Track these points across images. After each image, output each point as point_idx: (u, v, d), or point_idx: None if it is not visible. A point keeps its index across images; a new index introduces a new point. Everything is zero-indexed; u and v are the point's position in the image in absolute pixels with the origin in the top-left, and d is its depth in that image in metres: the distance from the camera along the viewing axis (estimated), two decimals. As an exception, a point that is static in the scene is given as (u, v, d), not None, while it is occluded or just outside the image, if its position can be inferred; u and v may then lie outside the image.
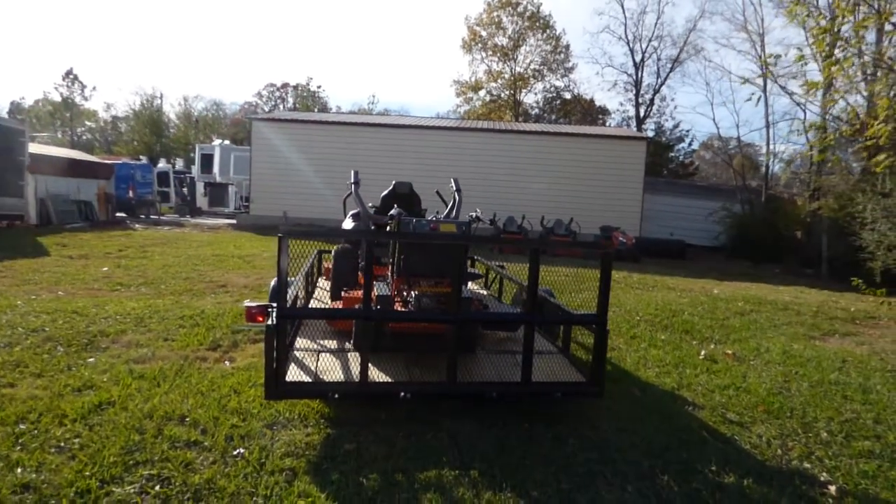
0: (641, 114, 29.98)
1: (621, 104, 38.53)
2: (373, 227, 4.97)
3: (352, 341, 4.17)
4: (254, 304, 4.08)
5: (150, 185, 23.76)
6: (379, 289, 3.93)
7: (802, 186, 19.22)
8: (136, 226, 18.86)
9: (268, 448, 3.17)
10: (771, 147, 21.15)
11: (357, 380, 3.42)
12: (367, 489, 2.82)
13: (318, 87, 52.11)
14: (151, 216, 22.76)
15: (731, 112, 42.87)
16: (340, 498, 2.72)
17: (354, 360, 3.83)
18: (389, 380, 3.54)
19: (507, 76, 32.43)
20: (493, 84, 32.80)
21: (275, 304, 3.95)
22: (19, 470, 2.78)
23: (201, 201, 26.14)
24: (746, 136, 45.91)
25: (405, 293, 4.03)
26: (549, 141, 20.17)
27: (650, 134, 27.47)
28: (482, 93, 33.13)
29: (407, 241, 3.75)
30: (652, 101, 29.94)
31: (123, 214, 21.83)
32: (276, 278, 4.78)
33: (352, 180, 5.31)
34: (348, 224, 5.62)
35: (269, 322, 3.28)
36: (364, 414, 3.66)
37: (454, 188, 5.69)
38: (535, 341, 3.53)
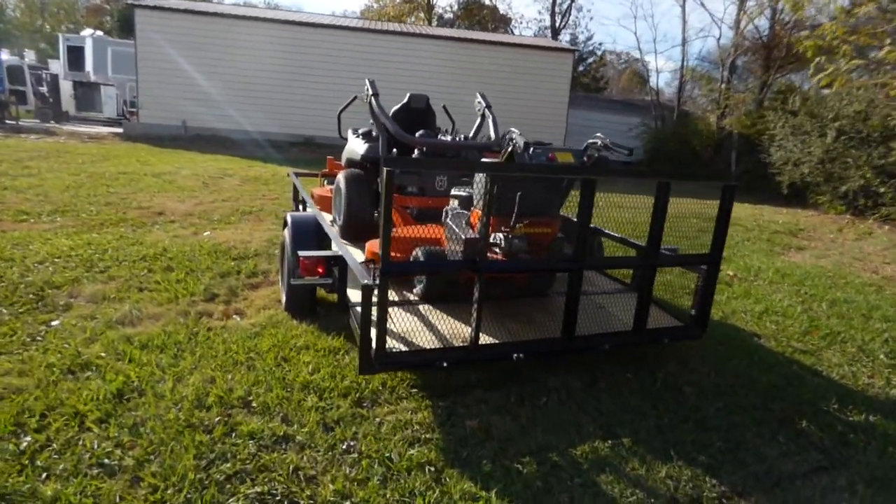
0: (557, 24, 29.37)
1: (539, 13, 37.52)
2: (423, 151, 4.15)
3: (416, 291, 3.52)
4: (307, 253, 3.25)
5: (0, 81, 19.46)
6: (462, 230, 3.26)
7: (712, 104, 20.17)
8: (-7, 135, 15.50)
9: (379, 436, 2.56)
10: (686, 63, 21.75)
11: (466, 343, 2.85)
12: (533, 478, 2.36)
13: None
14: (7, 121, 18.81)
15: (650, 27, 43.75)
16: (516, 494, 2.25)
17: (440, 317, 3.22)
18: (496, 341, 2.99)
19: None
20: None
21: (339, 253, 3.21)
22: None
23: (68, 104, 21.93)
24: (667, 52, 47.03)
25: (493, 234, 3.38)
26: (475, 49, 18.98)
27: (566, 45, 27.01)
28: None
29: (503, 174, 3.04)
30: (568, 10, 29.32)
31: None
32: (292, 217, 3.90)
33: (369, 91, 4.36)
34: (359, 144, 4.69)
35: (368, 280, 2.55)
36: (451, 377, 3.12)
37: (483, 104, 4.93)
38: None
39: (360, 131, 4.87)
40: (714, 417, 2.96)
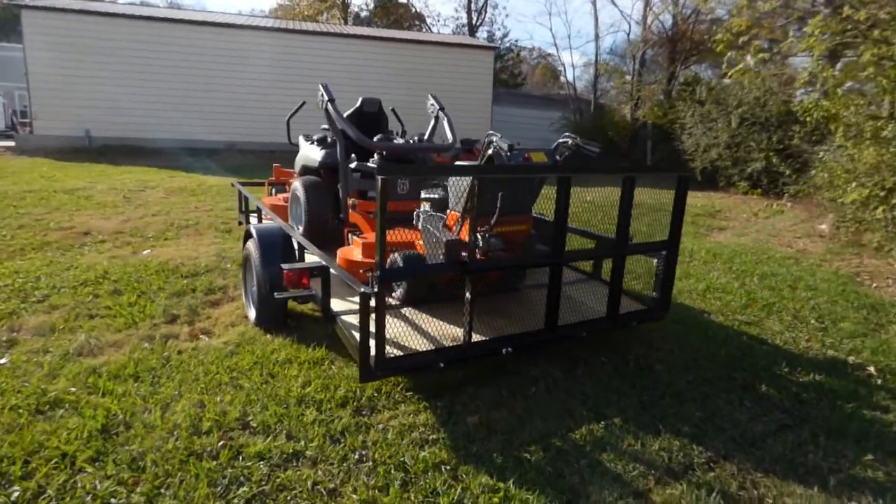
0: (474, 21, 29.82)
1: (456, 10, 37.80)
2: (383, 155, 4.14)
3: (396, 295, 3.54)
4: (291, 265, 3.18)
5: None
6: (441, 232, 3.31)
7: (625, 97, 21.32)
8: None
9: (387, 442, 2.58)
10: (600, 59, 22.85)
11: (459, 342, 2.92)
12: (543, 465, 2.47)
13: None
14: None
15: (564, 23, 45.27)
16: (531, 482, 2.34)
17: (424, 319, 3.26)
18: (484, 337, 3.07)
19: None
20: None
21: (322, 263, 3.17)
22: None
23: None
24: (581, 47, 49.07)
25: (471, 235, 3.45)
26: (400, 48, 18.99)
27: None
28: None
29: (488, 177, 3.11)
30: (484, 7, 29.87)
31: None
32: (258, 230, 3.77)
33: (324, 96, 4.30)
34: (315, 151, 4.61)
35: (366, 289, 2.55)
36: (440, 378, 3.18)
37: (437, 106, 4.99)
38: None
39: (314, 137, 4.78)
40: (687, 390, 3.22)
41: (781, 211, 10.03)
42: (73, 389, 2.87)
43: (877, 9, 5.77)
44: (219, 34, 17.12)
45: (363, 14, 30.55)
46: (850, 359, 3.76)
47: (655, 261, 3.68)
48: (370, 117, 4.86)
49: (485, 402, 2.97)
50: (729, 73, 7.65)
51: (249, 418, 2.68)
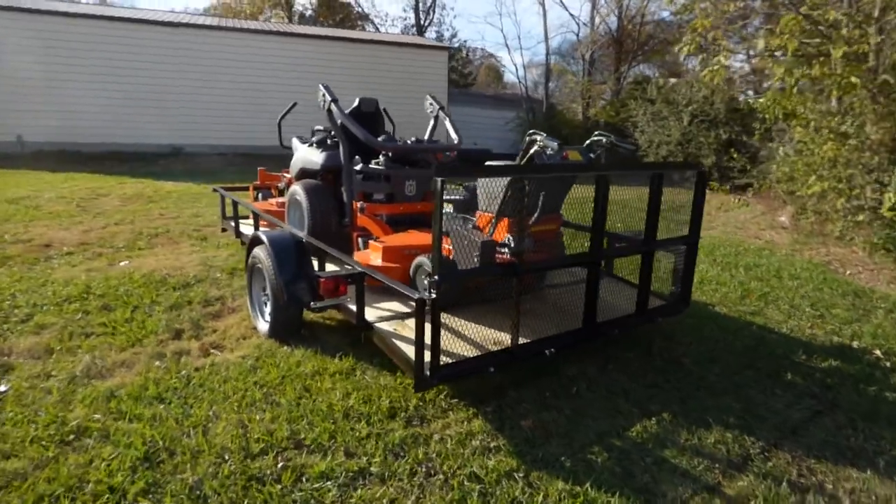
0: (422, 21, 29.69)
1: (404, 10, 37.53)
2: (389, 156, 4.03)
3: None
4: (327, 273, 3.02)
5: None
6: (472, 233, 3.24)
7: (576, 96, 21.82)
8: None
9: (451, 453, 2.49)
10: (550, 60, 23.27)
11: (505, 346, 2.86)
12: (611, 465, 2.46)
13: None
14: None
15: (514, 24, 45.90)
16: (606, 483, 2.32)
17: (458, 323, 3.18)
18: (528, 339, 3.02)
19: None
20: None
21: (360, 270, 3.03)
22: None
23: None
24: (533, 48, 49.77)
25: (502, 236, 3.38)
26: (353, 48, 18.67)
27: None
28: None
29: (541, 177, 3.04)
30: (432, 7, 29.76)
31: None
32: (269, 236, 3.57)
33: (326, 97, 4.14)
34: (316, 153, 4.43)
35: (424, 295, 2.46)
36: (479, 383, 3.11)
37: (436, 106, 4.91)
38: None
39: (313, 139, 4.60)
40: (718, 382, 3.29)
41: (747, 204, 10.48)
42: (96, 416, 2.62)
43: (843, 10, 6.15)
44: (157, 32, 16.24)
45: (308, 13, 29.84)
46: (855, 343, 3.96)
47: (674, 257, 3.75)
48: (368, 117, 4.72)
49: (531, 405, 2.93)
50: (703, 74, 7.94)
51: (302, 436, 2.53)
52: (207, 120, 16.24)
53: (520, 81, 25.28)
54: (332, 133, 4.67)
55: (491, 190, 3.16)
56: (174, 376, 3.08)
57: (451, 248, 3.34)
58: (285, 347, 3.51)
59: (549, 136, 3.17)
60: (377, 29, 29.76)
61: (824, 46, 6.62)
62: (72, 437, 2.47)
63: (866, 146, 6.91)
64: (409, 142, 4.47)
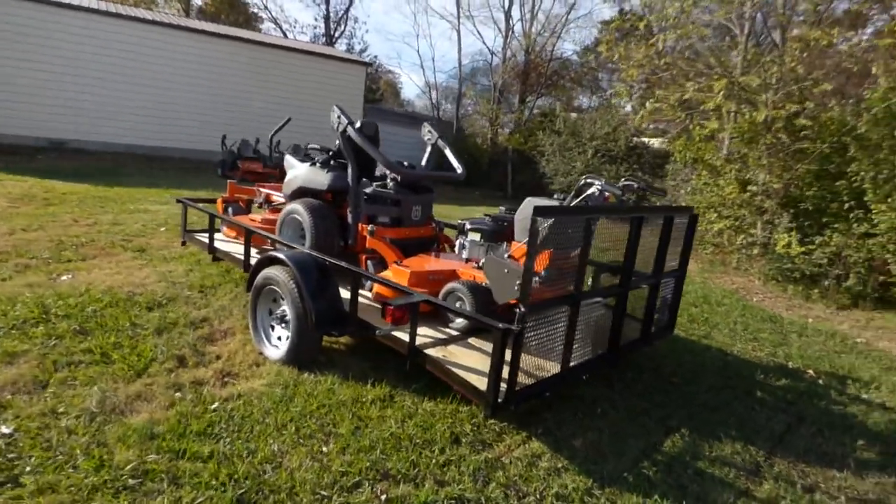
0: (333, 32, 29.19)
1: (316, 19, 36.39)
2: (398, 181, 4.07)
3: (456, 326, 3.54)
4: (398, 301, 2.99)
5: None
6: (506, 262, 3.41)
7: (486, 122, 22.80)
8: None
9: (529, 476, 2.63)
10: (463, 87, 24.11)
11: (559, 370, 3.06)
12: (664, 478, 2.75)
13: None
14: None
15: (429, 46, 46.53)
16: (670, 495, 2.60)
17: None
18: (571, 364, 3.24)
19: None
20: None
21: (423, 298, 3.06)
22: None
23: None
24: (449, 70, 50.57)
25: None
26: (264, 53, 17.93)
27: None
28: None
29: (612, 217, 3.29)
30: (344, 19, 29.40)
31: None
32: (292, 257, 3.44)
33: (342, 119, 4.12)
34: (320, 173, 4.35)
35: (512, 326, 2.59)
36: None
37: (435, 135, 5.02)
38: None
39: (317, 159, 4.51)
40: (710, 400, 3.76)
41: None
42: (151, 457, 2.39)
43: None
44: (37, 12, 14.42)
45: (207, 7, 28.06)
46: (790, 364, 4.69)
47: (663, 288, 4.20)
48: (369, 140, 4.72)
49: (573, 426, 3.16)
50: (639, 117, 8.88)
51: (389, 467, 2.51)
52: (98, 114, 14.68)
53: (433, 103, 25.84)
54: (332, 153, 4.61)
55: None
56: (207, 409, 2.88)
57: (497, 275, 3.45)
58: (307, 374, 3.41)
59: (609, 182, 3.46)
60: (285, 34, 28.77)
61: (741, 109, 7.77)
62: (133, 481, 2.25)
63: (762, 192, 8.14)
64: (411, 166, 4.56)
